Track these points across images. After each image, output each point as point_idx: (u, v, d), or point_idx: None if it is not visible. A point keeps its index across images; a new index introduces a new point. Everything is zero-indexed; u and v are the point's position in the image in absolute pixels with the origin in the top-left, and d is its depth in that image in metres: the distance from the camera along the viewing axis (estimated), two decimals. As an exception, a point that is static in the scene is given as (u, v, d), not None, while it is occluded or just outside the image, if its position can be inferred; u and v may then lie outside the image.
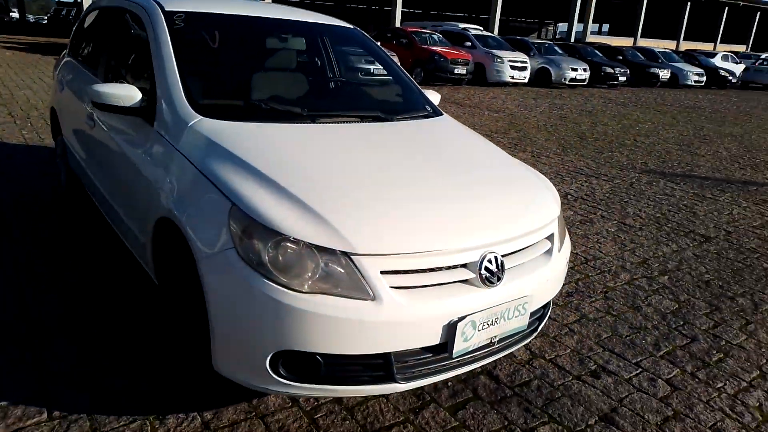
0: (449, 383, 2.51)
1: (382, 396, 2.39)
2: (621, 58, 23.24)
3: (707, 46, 40.81)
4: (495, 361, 2.67)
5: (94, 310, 2.90)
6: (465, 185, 2.35)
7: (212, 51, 3.06)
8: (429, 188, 2.25)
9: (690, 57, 26.74)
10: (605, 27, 63.27)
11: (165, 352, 2.59)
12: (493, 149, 2.86)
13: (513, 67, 17.82)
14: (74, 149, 3.77)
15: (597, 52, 22.47)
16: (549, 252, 2.41)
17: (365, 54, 3.58)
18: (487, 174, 2.53)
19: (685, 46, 39.31)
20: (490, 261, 2.08)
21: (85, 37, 3.94)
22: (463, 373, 2.53)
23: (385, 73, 3.48)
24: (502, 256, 2.14)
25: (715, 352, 2.96)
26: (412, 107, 3.17)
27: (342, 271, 1.88)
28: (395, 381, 1.98)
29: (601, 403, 2.47)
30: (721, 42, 43.67)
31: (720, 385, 2.67)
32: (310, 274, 1.87)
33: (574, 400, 2.47)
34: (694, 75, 23.62)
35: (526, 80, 18.40)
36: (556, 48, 21.06)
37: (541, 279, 2.28)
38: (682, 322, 3.26)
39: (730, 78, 25.44)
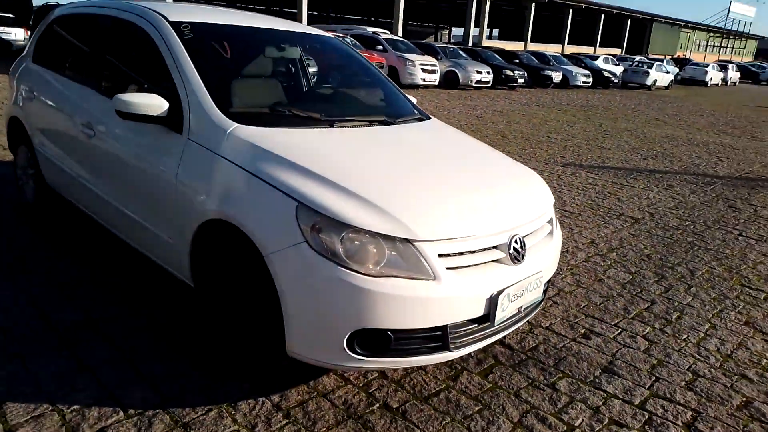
0: (472, 354, 2.83)
1: (420, 368, 2.66)
2: (517, 61, 24.83)
3: (588, 50, 44.45)
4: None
5: (120, 316, 2.92)
6: (482, 178, 2.68)
7: (225, 60, 3.16)
8: (456, 182, 2.55)
9: (577, 60, 29.06)
10: (495, 32, 66.86)
11: (211, 348, 2.69)
12: (487, 148, 3.22)
13: (424, 70, 18.56)
14: (55, 161, 3.68)
15: (496, 55, 23.89)
16: (551, 234, 2.80)
17: (350, 61, 3.82)
18: (494, 169, 2.88)
19: (569, 49, 42.55)
20: (515, 242, 2.43)
21: (62, 46, 3.84)
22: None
23: (369, 79, 3.74)
24: (522, 237, 2.50)
25: (672, 311, 3.51)
26: (407, 111, 3.45)
27: (407, 255, 2.13)
28: (449, 350, 2.27)
29: (599, 358, 2.90)
30: (600, 46, 47.74)
31: (684, 336, 3.20)
32: (379, 260, 2.11)
33: (577, 358, 2.88)
34: (582, 76, 25.72)
35: (436, 83, 19.22)
36: (461, 52, 22.15)
37: (548, 257, 2.67)
38: (639, 290, 3.80)
39: (613, 79, 27.95)
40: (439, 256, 2.19)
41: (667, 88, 31.68)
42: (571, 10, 42.87)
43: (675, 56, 50.02)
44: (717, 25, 64.52)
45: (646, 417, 2.46)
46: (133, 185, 2.94)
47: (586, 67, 27.75)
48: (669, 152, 9.79)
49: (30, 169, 4.17)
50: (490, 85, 20.94)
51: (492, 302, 2.30)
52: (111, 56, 3.35)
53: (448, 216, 2.29)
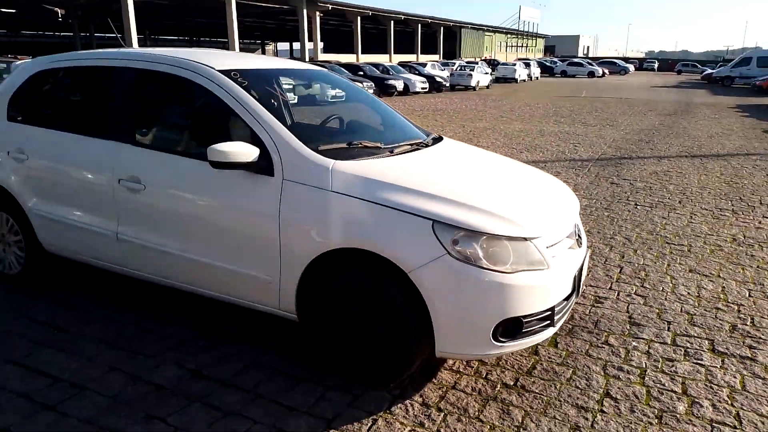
0: (533, 331, 3.35)
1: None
2: (362, 73, 26.00)
3: (411, 57, 47.68)
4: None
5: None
6: (536, 184, 3.24)
7: (281, 102, 3.31)
8: (522, 188, 3.08)
9: (410, 68, 31.15)
10: (320, 45, 68.43)
11: (334, 368, 2.88)
12: (510, 159, 3.75)
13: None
14: (66, 222, 3.46)
15: (342, 69, 24.78)
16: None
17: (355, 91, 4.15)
18: (536, 176, 3.42)
19: (395, 58, 45.26)
20: (577, 229, 3.01)
21: (64, 101, 3.58)
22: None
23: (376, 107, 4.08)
24: (577, 224, 3.10)
25: (639, 271, 4.38)
26: (424, 133, 3.85)
27: (529, 252, 2.60)
28: (553, 325, 2.77)
29: (621, 316, 3.60)
30: (421, 53, 51.44)
31: (661, 288, 4.05)
32: (510, 258, 2.54)
33: (608, 319, 3.55)
34: (420, 83, 27.68)
35: (294, 100, 19.47)
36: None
37: (584, 241, 3.30)
38: (604, 259, 4.63)
39: (444, 83, 30.45)
40: (547, 248, 2.69)
41: (488, 87, 35.17)
42: (392, 22, 45.68)
43: (483, 58, 55.57)
44: (512, 28, 73.34)
45: (682, 350, 3.18)
46: (212, 232, 2.98)
47: (420, 75, 29.88)
48: (533, 144, 11.25)
49: (12, 236, 3.81)
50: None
51: (575, 279, 2.85)
52: (153, 109, 3.30)
53: (543, 215, 2.81)
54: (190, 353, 3.06)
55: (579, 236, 3.02)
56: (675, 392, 2.77)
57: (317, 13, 36.68)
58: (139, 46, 25.81)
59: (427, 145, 3.49)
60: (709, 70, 48.56)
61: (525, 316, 2.58)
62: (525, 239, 2.59)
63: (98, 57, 3.49)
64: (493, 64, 45.60)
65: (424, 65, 33.18)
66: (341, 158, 2.87)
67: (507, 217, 2.62)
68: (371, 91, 21.25)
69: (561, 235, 2.85)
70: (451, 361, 3.02)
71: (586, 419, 2.55)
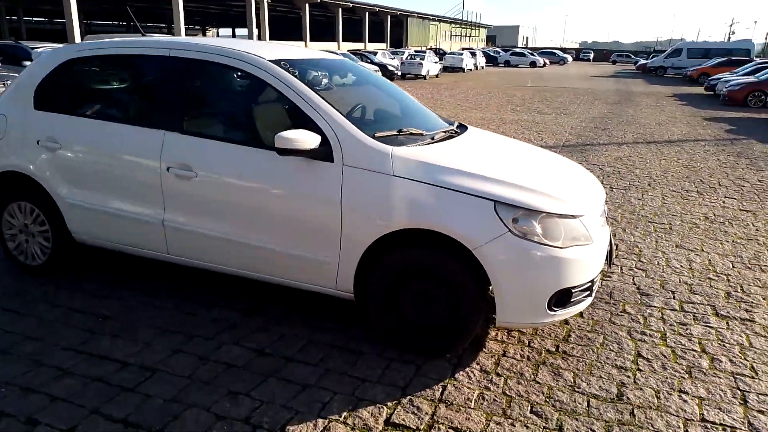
0: (557, 303, 3.64)
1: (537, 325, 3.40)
2: (315, 61, 25.83)
3: (359, 46, 47.61)
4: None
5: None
6: (568, 168, 3.49)
7: (328, 90, 3.41)
8: (560, 172, 3.33)
9: (362, 56, 31.15)
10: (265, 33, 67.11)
11: (395, 341, 3.06)
12: (535, 146, 3.99)
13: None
14: (103, 210, 3.46)
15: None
16: None
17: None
18: (563, 161, 3.68)
19: (344, 47, 45.07)
20: (605, 209, 3.31)
21: (99, 90, 3.53)
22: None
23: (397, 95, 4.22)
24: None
25: (633, 247, 4.76)
26: (447, 121, 4.02)
27: (578, 228, 2.86)
28: (591, 295, 3.06)
29: (629, 287, 3.95)
30: (369, 42, 51.40)
31: (657, 263, 4.45)
32: (563, 234, 2.80)
33: (619, 290, 3.89)
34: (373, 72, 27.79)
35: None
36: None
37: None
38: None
39: (396, 72, 30.67)
40: (590, 224, 2.96)
41: (437, 76, 35.65)
42: (340, 10, 45.40)
43: (429, 47, 56.12)
44: (456, 18, 74.37)
45: (691, 315, 3.55)
46: (269, 218, 3.08)
47: (372, 63, 29.95)
48: (499, 132, 11.66)
49: (37, 227, 3.76)
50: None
51: (609, 253, 3.15)
52: (204, 99, 3.33)
53: (583, 195, 3.07)
54: (244, 334, 3.17)
55: (606, 216, 3.31)
56: (695, 351, 3.12)
57: (265, -1, 36.01)
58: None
59: (458, 132, 3.68)
60: (643, 61, 51.01)
61: (574, 287, 2.85)
62: (574, 217, 2.85)
63: (141, 46, 3.48)
64: (439, 53, 46.16)
65: (374, 54, 33.23)
66: (395, 144, 3.04)
67: (558, 197, 2.88)
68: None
69: (596, 213, 3.13)
70: (494, 331, 3.26)
71: (628, 377, 2.86)
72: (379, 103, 4.08)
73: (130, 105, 3.65)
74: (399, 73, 31.09)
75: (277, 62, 3.23)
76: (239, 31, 68.18)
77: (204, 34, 62.34)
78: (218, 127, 3.39)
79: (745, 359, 3.05)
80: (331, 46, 42.65)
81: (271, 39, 38.40)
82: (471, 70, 44.74)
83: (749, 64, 26.13)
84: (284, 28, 47.40)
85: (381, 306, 3.01)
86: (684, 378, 2.86)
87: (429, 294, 2.90)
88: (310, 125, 3.02)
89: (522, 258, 2.71)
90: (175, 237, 3.36)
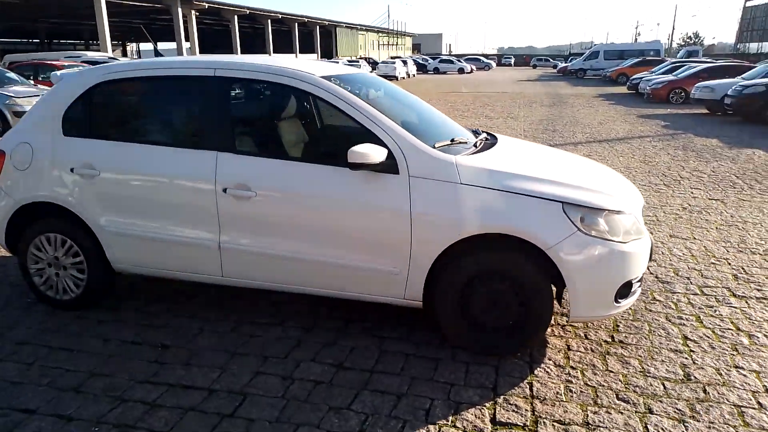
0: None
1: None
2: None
3: (290, 57, 47.32)
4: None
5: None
6: (607, 171, 3.70)
7: (385, 104, 3.46)
8: (602, 174, 3.53)
9: (298, 67, 31.05)
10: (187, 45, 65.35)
11: (466, 342, 3.17)
12: (566, 152, 4.20)
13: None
14: (151, 236, 3.38)
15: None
16: None
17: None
18: (597, 164, 3.90)
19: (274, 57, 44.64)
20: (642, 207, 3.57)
21: (138, 113, 3.41)
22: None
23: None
24: None
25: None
26: (471, 130, 4.18)
27: (635, 225, 3.08)
28: (639, 286, 3.30)
29: (647, 276, 4.24)
30: (299, 53, 51.22)
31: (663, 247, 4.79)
32: (623, 230, 3.01)
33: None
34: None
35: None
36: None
37: None
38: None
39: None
40: (640, 219, 3.19)
41: (373, 84, 36.08)
42: (270, 21, 44.97)
43: (360, 57, 56.59)
44: (383, 27, 75.37)
45: (714, 298, 3.88)
46: (334, 233, 3.12)
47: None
48: (459, 138, 11.99)
49: (69, 259, 3.59)
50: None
51: (651, 248, 3.40)
52: (257, 117, 3.30)
53: (631, 195, 3.30)
54: (315, 351, 3.19)
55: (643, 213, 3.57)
56: (732, 329, 3.43)
57: (193, 12, 35.17)
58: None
59: (494, 140, 3.84)
60: (564, 64, 53.68)
61: (633, 279, 3.07)
62: (629, 213, 3.07)
63: (180, 67, 3.42)
64: (371, 62, 46.64)
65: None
66: (454, 153, 3.17)
67: (615, 196, 3.09)
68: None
69: (641, 209, 3.37)
70: (550, 328, 3.44)
71: (686, 358, 3.11)
72: (414, 114, 4.19)
73: (175, 127, 3.58)
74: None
75: (327, 78, 3.29)
76: (163, 45, 66.08)
77: (124, 50, 59.94)
78: (274, 145, 3.40)
79: (776, 333, 3.38)
80: (262, 58, 42.09)
81: (201, 52, 37.51)
82: (404, 78, 45.42)
83: (665, 64, 28.09)
84: (213, 41, 46.43)
85: (452, 311, 3.12)
86: (734, 355, 3.14)
87: (500, 295, 3.04)
88: (373, 139, 3.09)
89: (592, 254, 2.90)
90: (231, 259, 3.33)
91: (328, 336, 3.36)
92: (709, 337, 3.33)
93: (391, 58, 59.17)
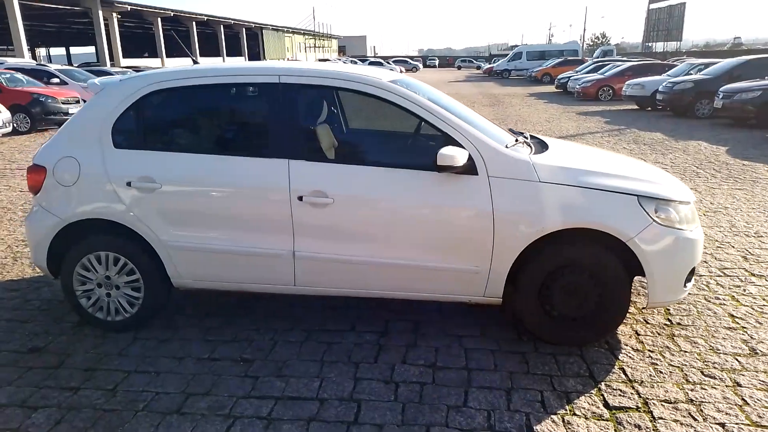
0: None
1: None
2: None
3: (217, 60, 46.08)
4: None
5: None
6: (650, 167, 3.92)
7: (446, 107, 3.50)
8: (652, 169, 3.73)
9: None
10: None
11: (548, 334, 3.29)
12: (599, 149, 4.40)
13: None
14: (220, 248, 3.27)
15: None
16: None
17: None
18: (638, 160, 4.11)
19: (201, 62, 43.29)
20: None
21: (199, 122, 3.25)
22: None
23: None
24: None
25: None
26: (513, 131, 4.30)
27: (693, 212, 3.31)
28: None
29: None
30: (226, 55, 49.90)
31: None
32: (688, 218, 3.23)
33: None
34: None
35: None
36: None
37: None
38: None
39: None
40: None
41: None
42: (194, 23, 43.53)
43: (288, 59, 55.98)
44: (309, 29, 74.74)
45: (737, 278, 4.21)
46: (416, 234, 3.15)
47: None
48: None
49: (123, 278, 3.40)
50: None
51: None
52: (328, 123, 3.24)
53: (682, 186, 3.54)
54: (402, 353, 3.21)
55: None
56: (767, 305, 3.75)
57: (114, 14, 33.45)
58: None
59: (542, 140, 3.97)
60: (488, 65, 55.50)
61: (696, 265, 3.30)
62: (689, 203, 3.30)
63: (240, 74, 3.32)
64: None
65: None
66: (524, 153, 3.28)
67: (677, 187, 3.31)
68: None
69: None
70: (610, 315, 3.62)
71: (744, 331, 3.38)
72: (465, 116, 4.27)
73: (239, 136, 3.47)
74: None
75: (394, 82, 3.31)
76: (79, 50, 62.30)
77: (33, 54, 56.06)
78: (347, 150, 3.38)
79: (805, 306, 3.74)
80: (189, 61, 40.75)
81: (123, 57, 35.78)
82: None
83: (588, 64, 29.71)
84: (136, 45, 44.31)
85: (533, 304, 3.23)
86: (781, 328, 3.45)
87: (579, 287, 3.18)
88: (450, 141, 3.15)
89: (667, 243, 3.10)
90: (306, 267, 3.28)
91: (405, 338, 3.39)
92: (751, 314, 3.63)
93: (319, 60, 58.91)
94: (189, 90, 3.37)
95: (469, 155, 3.11)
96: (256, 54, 56.40)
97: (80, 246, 3.40)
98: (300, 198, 3.18)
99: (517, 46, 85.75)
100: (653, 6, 55.64)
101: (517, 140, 3.50)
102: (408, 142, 3.38)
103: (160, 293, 3.46)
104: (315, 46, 77.63)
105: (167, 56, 40.91)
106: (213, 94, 3.41)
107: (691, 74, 17.02)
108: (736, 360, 3.10)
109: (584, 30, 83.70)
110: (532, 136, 4.15)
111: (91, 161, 3.33)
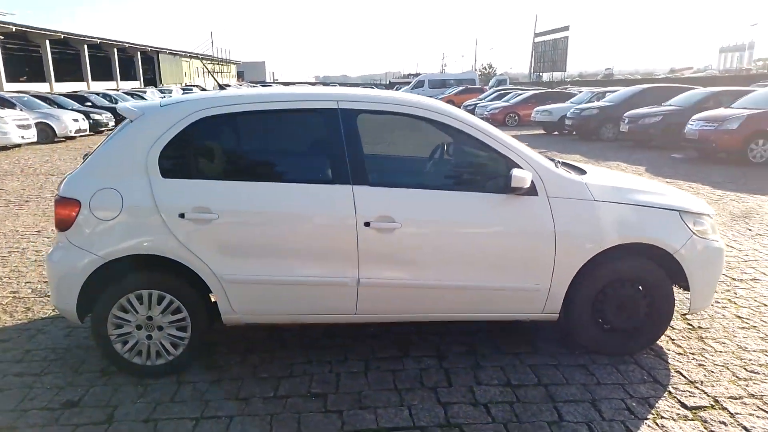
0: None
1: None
2: (90, 103, 23.16)
3: (111, 85, 43.56)
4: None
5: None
6: (667, 186, 4.24)
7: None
8: (671, 188, 4.04)
9: (140, 96, 28.78)
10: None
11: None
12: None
13: (20, 126, 15.67)
14: (281, 280, 3.12)
15: (61, 97, 21.75)
16: None
17: None
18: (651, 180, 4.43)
19: (94, 86, 40.73)
20: None
21: (256, 150, 3.09)
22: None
23: None
24: None
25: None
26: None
27: (715, 224, 3.64)
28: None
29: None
30: (120, 80, 47.25)
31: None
32: (715, 230, 3.56)
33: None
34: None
35: (34, 138, 16.43)
36: (33, 98, 19.26)
37: None
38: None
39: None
40: None
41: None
42: (86, 46, 40.88)
43: (185, 84, 54.18)
44: (207, 54, 72.68)
45: (727, 283, 4.66)
46: (481, 256, 3.20)
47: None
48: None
49: (167, 318, 3.13)
50: (88, 132, 19.16)
51: None
52: (391, 148, 3.20)
53: (704, 201, 3.87)
54: (472, 375, 3.22)
55: None
56: (762, 305, 4.18)
57: (-5, 35, 30.63)
58: None
59: (570, 164, 4.18)
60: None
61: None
62: (712, 216, 3.63)
63: (296, 99, 3.23)
64: (203, 91, 44.87)
65: (144, 92, 30.95)
66: (571, 175, 3.46)
67: (701, 202, 3.63)
68: (85, 125, 18.93)
69: None
70: (639, 324, 3.86)
71: (756, 329, 3.74)
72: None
73: (297, 163, 3.34)
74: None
75: (464, 108, 3.39)
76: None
77: None
78: (409, 174, 3.37)
79: (792, 305, 4.21)
80: (80, 86, 38.24)
81: (7, 81, 32.81)
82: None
83: (490, 92, 31.48)
84: (20, 68, 40.72)
85: (587, 317, 3.38)
86: (785, 325, 3.86)
87: (629, 299, 3.38)
88: (509, 164, 3.25)
89: (704, 253, 3.39)
90: (369, 294, 3.21)
91: (466, 360, 3.40)
92: (755, 314, 4.03)
93: (220, 85, 57.45)
94: (244, 116, 3.21)
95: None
96: (151, 79, 53.89)
97: (119, 285, 3.10)
98: (367, 224, 3.13)
99: (411, 74, 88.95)
100: (538, 39, 60.22)
101: (556, 164, 3.68)
102: (469, 165, 3.45)
103: (206, 332, 3.23)
104: (213, 72, 75.77)
105: (56, 80, 38.02)
106: (266, 120, 3.27)
107: (594, 102, 18.62)
108: (765, 355, 3.43)
109: (475, 60, 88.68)
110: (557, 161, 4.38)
111: (137, 193, 3.06)
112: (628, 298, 3.38)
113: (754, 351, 3.49)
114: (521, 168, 3.24)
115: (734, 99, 13.23)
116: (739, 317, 3.99)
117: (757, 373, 3.23)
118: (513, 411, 2.86)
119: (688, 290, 3.41)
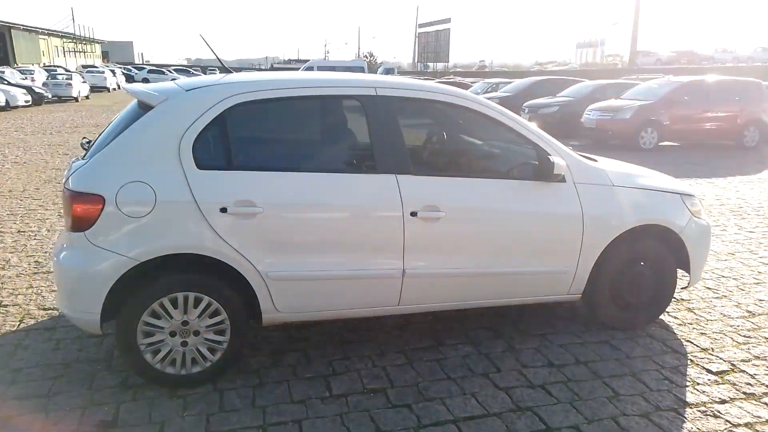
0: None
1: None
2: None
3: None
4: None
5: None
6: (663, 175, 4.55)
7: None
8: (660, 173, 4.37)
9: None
10: None
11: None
12: None
13: None
14: (326, 274, 2.96)
15: None
16: None
17: None
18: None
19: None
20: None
21: (297, 138, 2.82)
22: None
23: None
24: None
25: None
26: None
27: (702, 205, 4.02)
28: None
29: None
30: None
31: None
32: (702, 210, 3.93)
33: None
34: (22, 95, 23.21)
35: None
36: None
37: None
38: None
39: (46, 94, 26.23)
40: None
41: (87, 98, 31.73)
42: None
43: (44, 65, 49.03)
44: (68, 31, 65.77)
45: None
46: (521, 242, 3.28)
47: (11, 85, 24.87)
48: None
49: (204, 321, 2.84)
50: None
51: None
52: (434, 136, 3.12)
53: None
54: (515, 358, 3.29)
55: None
56: (735, 275, 4.69)
57: None
58: None
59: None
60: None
61: (708, 249, 4.02)
62: (701, 198, 4.00)
63: (334, 86, 3.05)
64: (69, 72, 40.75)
65: (2, 72, 27.50)
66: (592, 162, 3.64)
67: (690, 186, 3.98)
68: None
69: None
70: (632, 300, 4.16)
71: (730, 298, 4.19)
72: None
73: (339, 151, 3.16)
74: (50, 96, 26.70)
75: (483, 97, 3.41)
76: None
77: None
78: (451, 163, 3.34)
79: None
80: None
81: None
82: (115, 89, 41.23)
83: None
84: None
85: (607, 295, 3.60)
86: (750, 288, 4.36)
87: (641, 277, 3.64)
88: (539, 152, 3.35)
89: (700, 232, 3.73)
90: (413, 285, 3.16)
91: (499, 344, 3.47)
92: (725, 285, 4.51)
93: (83, 66, 52.88)
94: (281, 102, 2.98)
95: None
96: (3, 58, 47.81)
97: (152, 289, 2.76)
98: (413, 213, 3.06)
99: (293, 59, 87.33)
100: (421, 30, 61.84)
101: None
102: (503, 153, 3.49)
103: (245, 334, 2.99)
104: (75, 51, 68.93)
105: None
106: (304, 106, 3.06)
107: (490, 92, 19.53)
108: (748, 321, 3.86)
109: (359, 48, 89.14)
110: None
111: (171, 186, 2.74)
112: (641, 276, 3.63)
113: (737, 318, 3.92)
114: (554, 156, 3.35)
115: (619, 91, 14.60)
116: (709, 288, 4.45)
117: (750, 337, 3.63)
118: (571, 390, 2.97)
119: (685, 266, 3.75)
